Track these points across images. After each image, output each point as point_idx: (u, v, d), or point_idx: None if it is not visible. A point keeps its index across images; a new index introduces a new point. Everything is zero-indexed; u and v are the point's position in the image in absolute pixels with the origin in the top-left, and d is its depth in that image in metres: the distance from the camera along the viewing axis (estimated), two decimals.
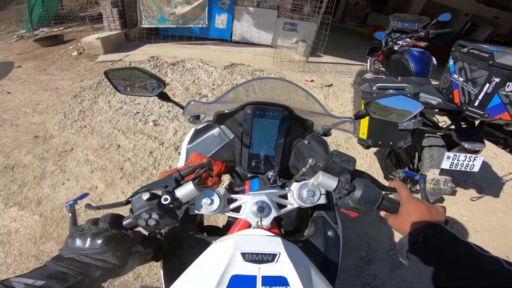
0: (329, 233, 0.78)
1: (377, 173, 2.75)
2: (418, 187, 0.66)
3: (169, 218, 0.58)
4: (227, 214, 0.71)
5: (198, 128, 0.97)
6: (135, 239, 0.58)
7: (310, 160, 0.69)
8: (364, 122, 1.92)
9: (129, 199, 0.60)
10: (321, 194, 0.70)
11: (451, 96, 1.81)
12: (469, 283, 0.43)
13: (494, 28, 9.53)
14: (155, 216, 0.56)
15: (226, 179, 1.49)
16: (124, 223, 0.58)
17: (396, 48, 2.55)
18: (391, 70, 2.63)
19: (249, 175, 0.88)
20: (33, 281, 0.41)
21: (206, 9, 5.53)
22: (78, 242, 0.50)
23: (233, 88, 0.93)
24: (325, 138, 0.96)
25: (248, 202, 0.70)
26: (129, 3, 5.48)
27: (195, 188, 0.60)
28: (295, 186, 0.72)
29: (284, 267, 0.54)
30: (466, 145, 1.81)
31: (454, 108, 1.80)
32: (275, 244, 0.59)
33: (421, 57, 2.43)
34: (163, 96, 0.89)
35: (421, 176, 0.69)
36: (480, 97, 1.53)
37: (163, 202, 0.58)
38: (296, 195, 0.70)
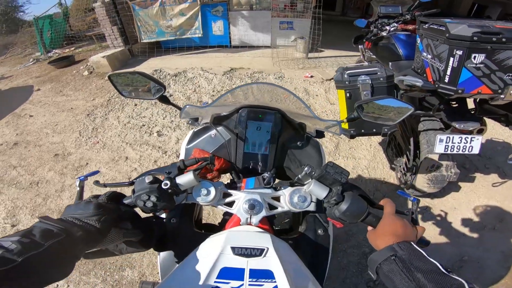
0: (319, 231, 0.80)
1: (382, 163, 2.71)
2: (411, 207, 0.72)
3: (166, 202, 0.62)
4: (220, 207, 0.74)
5: (196, 130, 1.02)
6: (126, 214, 0.61)
7: (306, 168, 0.70)
8: (343, 110, 1.81)
9: (133, 180, 0.65)
10: (311, 201, 0.72)
11: (424, 75, 1.72)
12: None
13: (503, 8, 9.05)
14: (153, 198, 0.60)
15: (226, 179, 1.64)
16: (125, 201, 0.64)
17: (384, 34, 2.49)
18: (381, 57, 2.56)
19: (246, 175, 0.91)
20: (19, 238, 0.43)
21: (199, 18, 5.66)
22: (74, 208, 0.55)
23: (225, 93, 0.98)
24: (319, 139, 0.99)
25: (241, 198, 0.73)
26: (127, 20, 5.73)
27: (194, 178, 0.65)
28: (288, 190, 0.74)
29: (271, 261, 0.57)
30: (457, 125, 1.71)
31: (432, 87, 1.68)
32: (264, 240, 0.62)
33: (408, 40, 2.34)
34: (163, 99, 0.94)
35: (415, 198, 0.72)
36: (448, 73, 1.45)
37: (163, 186, 0.62)
38: (288, 199, 0.72)
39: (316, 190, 0.67)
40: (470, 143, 1.70)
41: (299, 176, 0.72)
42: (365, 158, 2.80)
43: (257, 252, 0.58)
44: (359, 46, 3.20)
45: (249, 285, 0.53)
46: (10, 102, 4.64)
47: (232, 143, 0.92)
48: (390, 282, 0.52)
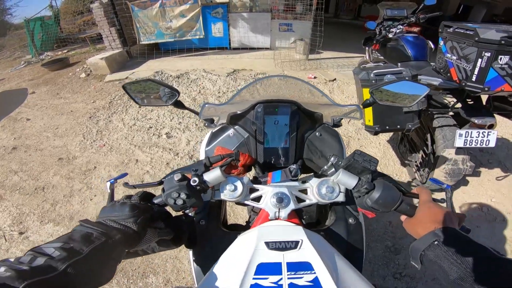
0: (350, 220, 0.79)
1: (393, 160, 2.76)
2: (444, 197, 0.69)
3: (195, 199, 0.63)
4: (247, 202, 0.74)
5: (213, 131, 1.01)
6: (158, 213, 0.63)
7: (332, 158, 0.69)
8: (369, 109, 1.89)
9: (162, 180, 0.66)
10: (340, 191, 0.71)
11: (449, 74, 1.85)
12: (491, 286, 0.42)
13: (489, 9, 9.45)
14: (183, 196, 0.61)
15: (250, 175, 1.61)
16: (155, 201, 0.64)
17: (390, 36, 2.60)
18: (390, 58, 2.67)
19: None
20: (62, 244, 0.44)
21: (200, 19, 5.65)
22: (109, 210, 0.56)
23: (242, 88, 0.97)
24: (336, 129, 0.98)
25: (268, 192, 0.73)
26: (126, 21, 5.65)
27: (221, 174, 0.65)
28: (315, 181, 0.73)
29: (307, 253, 0.56)
30: (475, 121, 1.80)
31: (456, 86, 1.81)
32: (297, 232, 0.61)
33: (416, 41, 2.47)
34: (178, 104, 0.91)
35: (448, 185, 0.69)
36: (476, 72, 1.59)
37: (192, 183, 0.63)
38: (316, 191, 0.72)
39: (345, 180, 0.64)
40: (487, 137, 1.81)
41: (325, 167, 0.72)
42: (375, 155, 2.84)
43: (292, 245, 0.57)
44: (366, 48, 3.26)
45: (288, 278, 0.52)
46: (4, 105, 4.45)
47: (251, 140, 0.91)
48: (439, 269, 0.49)
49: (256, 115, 0.88)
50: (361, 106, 0.89)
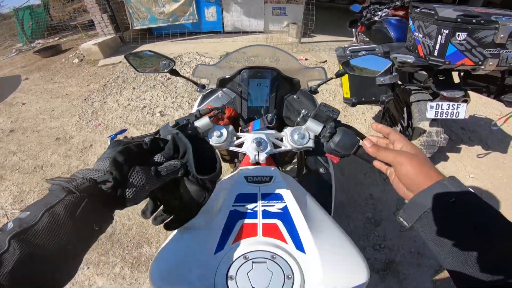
0: (320, 170, 0.91)
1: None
2: None
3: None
4: (231, 148, 0.83)
5: (204, 94, 1.17)
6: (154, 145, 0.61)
7: (303, 111, 0.81)
8: (345, 82, 2.04)
9: (158, 130, 0.74)
10: (309, 138, 0.80)
11: (416, 51, 1.98)
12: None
13: None
14: None
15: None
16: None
17: (376, 18, 2.73)
18: (374, 39, 2.81)
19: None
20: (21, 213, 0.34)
21: (194, 4, 5.62)
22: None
23: (230, 53, 1.16)
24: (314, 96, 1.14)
25: (249, 138, 0.83)
26: (118, 7, 5.60)
27: (209, 121, 0.77)
28: (288, 130, 0.83)
29: (279, 186, 0.65)
30: (444, 94, 1.93)
31: (425, 62, 1.91)
32: (272, 170, 0.72)
33: (399, 24, 2.61)
34: (173, 72, 1.06)
35: None
36: (437, 48, 1.72)
37: (184, 127, 0.73)
38: (289, 138, 0.81)
39: (312, 126, 0.75)
40: (457, 109, 1.93)
41: (298, 119, 0.83)
42: (361, 131, 2.91)
43: (267, 179, 0.68)
44: (353, 30, 3.37)
45: (262, 206, 0.61)
46: None
47: (237, 99, 1.08)
48: (446, 231, 0.38)
49: (242, 78, 1.05)
50: (334, 77, 1.03)
